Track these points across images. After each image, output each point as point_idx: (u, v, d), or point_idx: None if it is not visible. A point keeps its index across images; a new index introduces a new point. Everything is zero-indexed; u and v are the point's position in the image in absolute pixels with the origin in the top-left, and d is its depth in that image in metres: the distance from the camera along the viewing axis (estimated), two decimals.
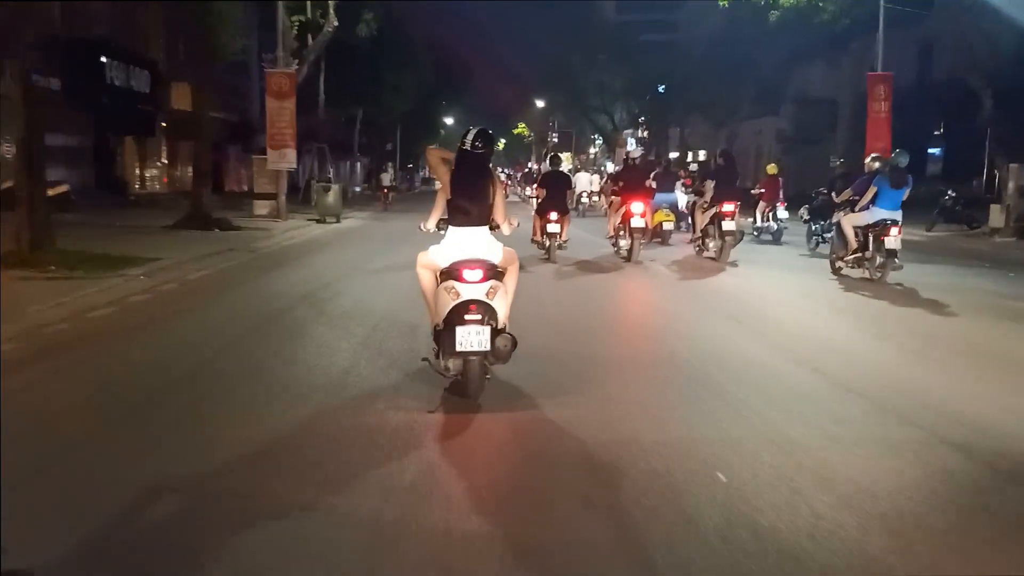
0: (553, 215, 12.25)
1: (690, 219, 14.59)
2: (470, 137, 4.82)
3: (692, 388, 5.16)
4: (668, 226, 15.47)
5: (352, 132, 36.05)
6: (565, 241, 12.52)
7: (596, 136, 70.85)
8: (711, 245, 12.34)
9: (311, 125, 30.11)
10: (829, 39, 31.26)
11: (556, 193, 12.60)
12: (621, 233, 12.60)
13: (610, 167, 47.46)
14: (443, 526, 3.05)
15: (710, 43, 37.51)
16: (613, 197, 13.20)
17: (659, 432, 4.20)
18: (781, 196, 16.31)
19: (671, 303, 9.22)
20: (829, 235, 13.14)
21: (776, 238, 15.81)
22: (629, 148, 17.83)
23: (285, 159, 19.47)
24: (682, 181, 17.81)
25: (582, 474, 3.65)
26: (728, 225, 11.74)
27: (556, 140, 79.35)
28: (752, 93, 33.60)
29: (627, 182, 12.60)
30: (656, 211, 14.70)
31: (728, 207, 11.73)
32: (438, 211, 5.06)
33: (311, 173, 28.58)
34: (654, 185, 14.67)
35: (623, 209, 12.30)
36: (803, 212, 14.93)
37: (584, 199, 25.36)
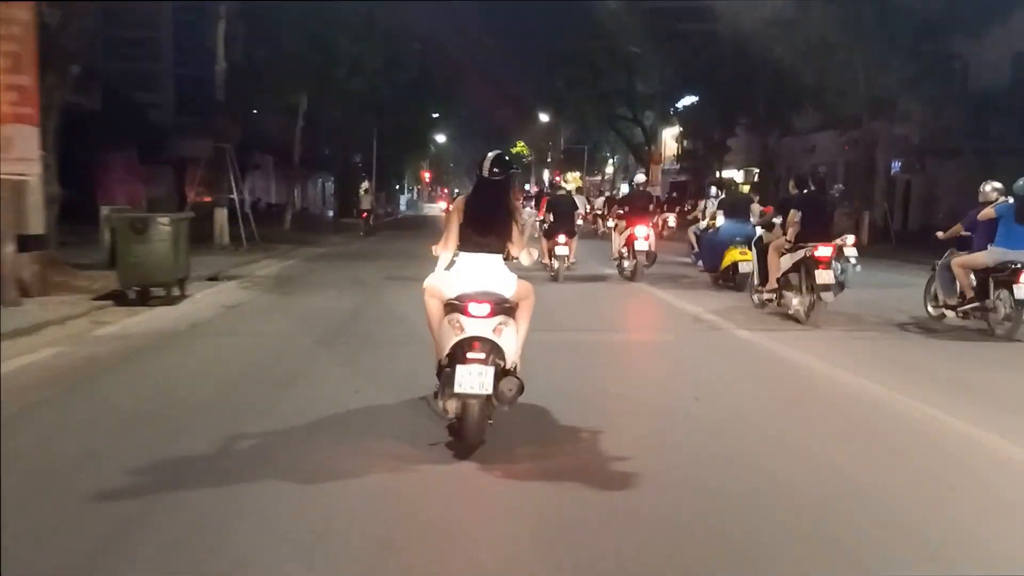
0: (562, 238, 12.47)
1: (755, 263, 10.25)
2: (487, 163, 4.43)
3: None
4: (746, 267, 11.21)
5: (294, 129, 24.24)
6: (573, 263, 12.82)
7: (610, 154, 60.28)
8: (794, 301, 8.94)
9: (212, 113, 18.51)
10: None
11: (564, 216, 12.84)
12: (625, 255, 12.88)
13: (626, 190, 36.54)
14: None
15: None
16: (618, 221, 13.49)
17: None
18: None
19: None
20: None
21: None
22: (637, 177, 15.95)
23: (11, 153, 7.72)
24: (761, 209, 13.42)
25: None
26: (825, 276, 8.43)
27: (563, 158, 69.30)
28: (899, 80, 21.79)
29: (632, 207, 13.23)
30: (729, 247, 11.93)
31: (824, 251, 8.53)
32: (451, 239, 4.41)
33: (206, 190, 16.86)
34: (701, 214, 15.79)
35: (628, 232, 12.73)
36: None
37: (579, 221, 23.77)
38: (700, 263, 15.92)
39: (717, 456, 4.13)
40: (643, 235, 12.45)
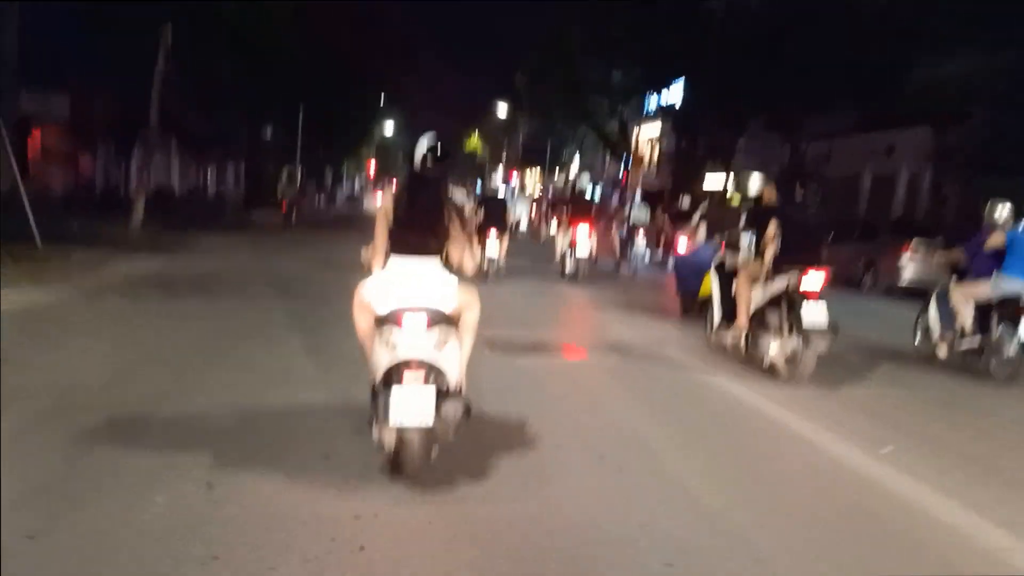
0: (493, 232, 12.44)
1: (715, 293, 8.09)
2: (419, 154, 3.80)
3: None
4: None
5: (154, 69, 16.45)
6: (502, 267, 12.75)
7: (571, 152, 54.11)
8: (772, 346, 6.71)
9: None
10: None
11: (494, 213, 12.90)
12: (568, 256, 13.42)
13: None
14: None
15: None
16: (561, 224, 14.33)
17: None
18: None
19: None
20: None
21: None
22: (581, 182, 16.00)
23: None
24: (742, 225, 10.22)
25: None
26: (814, 313, 6.38)
27: (521, 157, 62.93)
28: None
29: (575, 208, 13.86)
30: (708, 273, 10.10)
31: (813, 279, 6.57)
32: (380, 244, 3.85)
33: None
34: (626, 219, 16.86)
35: (570, 234, 13.33)
36: None
37: (523, 226, 24.20)
38: (632, 268, 16.40)
39: (690, 513, 3.60)
40: (583, 238, 13.10)
